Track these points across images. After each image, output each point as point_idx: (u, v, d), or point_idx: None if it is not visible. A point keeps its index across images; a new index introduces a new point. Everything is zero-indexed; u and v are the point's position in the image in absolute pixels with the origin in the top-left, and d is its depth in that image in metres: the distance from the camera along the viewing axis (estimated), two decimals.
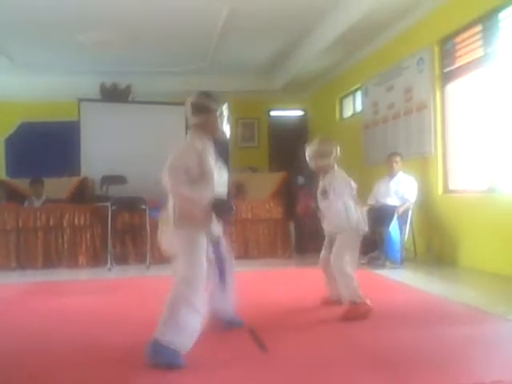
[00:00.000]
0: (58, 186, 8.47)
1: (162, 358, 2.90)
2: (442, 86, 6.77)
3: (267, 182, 8.62)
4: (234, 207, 3.30)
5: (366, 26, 7.39)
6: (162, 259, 7.26)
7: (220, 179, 3.30)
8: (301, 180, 8.18)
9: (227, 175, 3.43)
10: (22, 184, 8.52)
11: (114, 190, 7.86)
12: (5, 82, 9.85)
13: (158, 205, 7.34)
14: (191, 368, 2.92)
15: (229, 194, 3.42)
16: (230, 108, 3.45)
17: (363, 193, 7.33)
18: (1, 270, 6.98)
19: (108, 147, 9.37)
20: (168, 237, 3.27)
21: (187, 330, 2.99)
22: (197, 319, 3.05)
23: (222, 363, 3.03)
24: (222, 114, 3.39)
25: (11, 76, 9.77)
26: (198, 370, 2.92)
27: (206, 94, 3.38)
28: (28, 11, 7.07)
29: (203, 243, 3.21)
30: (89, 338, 3.62)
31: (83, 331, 3.81)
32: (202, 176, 3.17)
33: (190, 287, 3.08)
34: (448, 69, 6.68)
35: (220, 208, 3.18)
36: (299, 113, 11.32)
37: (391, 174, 6.89)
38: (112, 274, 6.65)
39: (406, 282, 5.50)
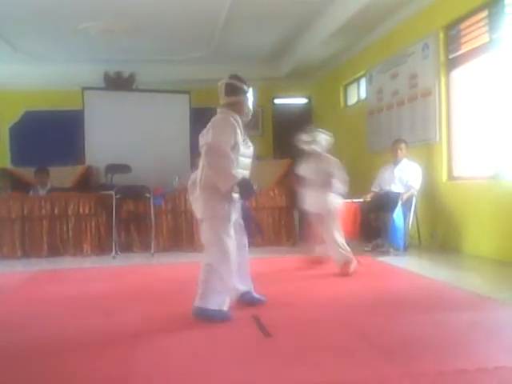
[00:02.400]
0: (62, 175, 8.49)
1: (213, 318, 3.51)
2: (447, 73, 6.72)
3: (271, 170, 8.61)
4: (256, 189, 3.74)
5: (371, 13, 7.33)
6: (166, 247, 7.38)
7: (246, 151, 3.76)
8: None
9: (252, 149, 3.87)
10: (27, 173, 8.55)
11: (119, 179, 7.87)
12: (9, 70, 9.82)
13: (162, 193, 7.44)
14: (194, 353, 2.97)
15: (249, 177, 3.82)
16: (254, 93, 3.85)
17: (367, 180, 7.34)
18: (6, 259, 7.04)
19: (112, 135, 9.40)
20: (195, 203, 3.71)
21: (222, 292, 3.57)
22: (227, 282, 3.60)
23: (226, 347, 3.06)
24: (249, 96, 3.80)
25: (15, 65, 9.74)
26: (201, 354, 2.95)
27: (239, 77, 3.79)
28: (31, 1, 7.04)
29: (228, 209, 3.64)
30: (93, 325, 3.66)
31: (87, 318, 3.85)
32: (232, 149, 3.56)
33: (219, 254, 3.58)
34: (453, 55, 6.63)
35: (245, 188, 3.56)
36: (303, 100, 11.27)
37: (396, 161, 6.87)
38: (117, 262, 6.67)
39: (410, 268, 5.49)
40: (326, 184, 5.29)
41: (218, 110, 3.77)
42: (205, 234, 3.70)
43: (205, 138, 3.62)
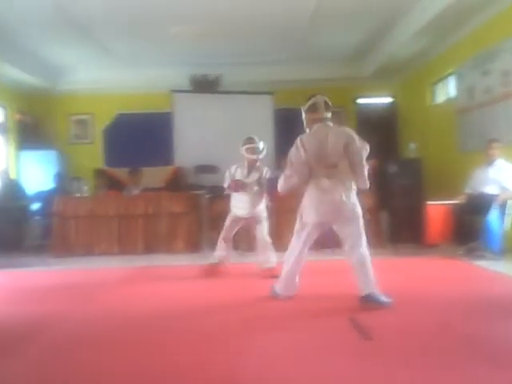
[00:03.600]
0: (153, 175, 8.83)
1: (378, 302, 4.00)
2: None
3: None
4: None
5: (461, 8, 7.13)
6: (254, 247, 7.47)
7: None
8: (393, 168, 8.03)
9: None
10: (120, 173, 8.97)
11: (206, 178, 8.09)
12: (104, 74, 10.30)
13: None
14: (294, 355, 3.01)
15: None
16: None
17: (459, 181, 7.16)
18: (104, 255, 7.41)
19: (199, 137, 9.65)
20: (351, 200, 4.20)
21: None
22: None
23: (327, 350, 3.08)
24: None
25: (109, 69, 10.21)
26: (302, 356, 2.98)
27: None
28: (126, 7, 7.35)
29: None
30: (191, 324, 3.78)
31: (185, 317, 3.98)
32: None
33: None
34: None
35: None
36: (388, 100, 11.10)
37: (490, 162, 6.65)
38: (208, 260, 6.84)
39: (508, 273, 5.31)
40: (260, 191, 5.62)
41: (329, 123, 4.32)
42: (358, 227, 4.23)
43: (355, 142, 4.19)
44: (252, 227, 5.79)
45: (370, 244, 7.49)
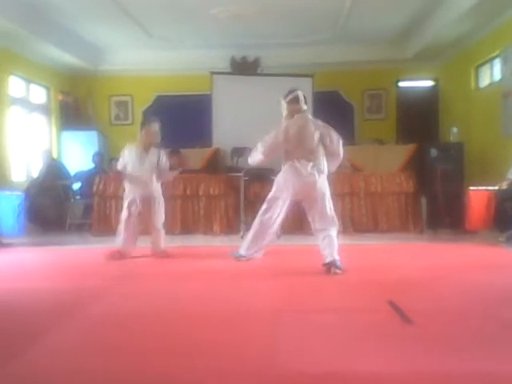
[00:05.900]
0: (191, 157, 8.87)
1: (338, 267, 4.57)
2: None
3: (396, 155, 8.43)
4: None
5: None
6: (291, 230, 7.48)
7: None
8: (433, 153, 7.89)
9: None
10: None
11: (243, 161, 8.09)
12: (144, 56, 10.38)
13: None
14: (334, 338, 2.97)
15: None
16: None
17: (502, 166, 6.99)
18: (142, 234, 7.48)
19: (238, 119, 9.63)
20: (323, 183, 4.84)
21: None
22: None
23: (367, 333, 3.05)
24: None
25: (150, 51, 10.27)
26: (343, 340, 2.94)
27: None
28: None
29: None
30: (229, 302, 3.81)
31: (218, 291, 4.05)
32: None
33: None
34: None
35: None
36: (430, 83, 10.87)
37: None
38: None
39: None
40: (157, 173, 5.73)
41: (309, 115, 5.02)
42: (325, 206, 4.80)
43: (331, 133, 4.90)
44: (147, 209, 5.76)
45: (409, 229, 7.47)
